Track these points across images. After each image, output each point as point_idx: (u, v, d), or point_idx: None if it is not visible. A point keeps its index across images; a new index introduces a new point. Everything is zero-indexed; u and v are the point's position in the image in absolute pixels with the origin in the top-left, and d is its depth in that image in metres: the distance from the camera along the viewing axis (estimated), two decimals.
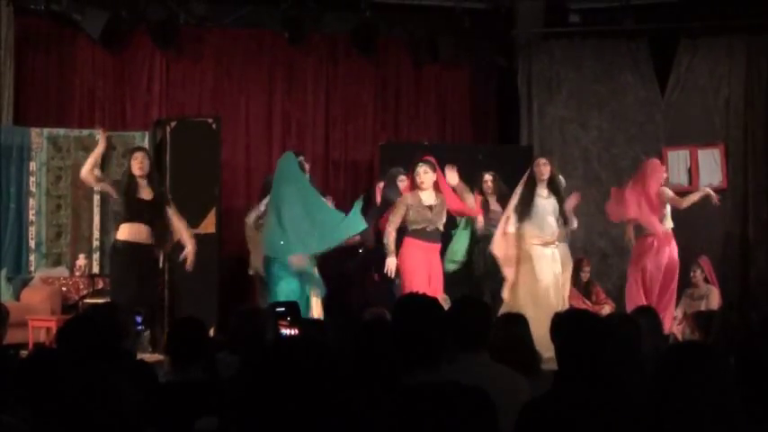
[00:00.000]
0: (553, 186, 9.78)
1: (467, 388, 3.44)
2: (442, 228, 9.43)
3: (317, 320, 6.78)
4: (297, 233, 9.25)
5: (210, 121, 11.20)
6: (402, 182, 9.94)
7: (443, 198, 9.31)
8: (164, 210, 9.19)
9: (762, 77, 12.28)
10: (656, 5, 12.37)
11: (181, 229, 9.31)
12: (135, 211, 9.03)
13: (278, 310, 5.22)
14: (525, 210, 9.76)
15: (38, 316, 10.15)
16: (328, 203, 10.15)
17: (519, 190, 9.86)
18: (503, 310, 8.80)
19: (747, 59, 12.32)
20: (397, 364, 3.75)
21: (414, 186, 9.30)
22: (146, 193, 9.12)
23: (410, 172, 9.42)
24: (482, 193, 10.49)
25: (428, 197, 9.28)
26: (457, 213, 9.88)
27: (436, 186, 9.29)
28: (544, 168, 9.77)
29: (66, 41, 11.86)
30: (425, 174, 9.22)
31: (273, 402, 3.04)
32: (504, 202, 10.19)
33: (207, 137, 11.08)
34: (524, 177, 9.89)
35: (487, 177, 10.57)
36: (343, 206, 12.52)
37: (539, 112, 12.72)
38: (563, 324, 3.90)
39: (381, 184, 10.64)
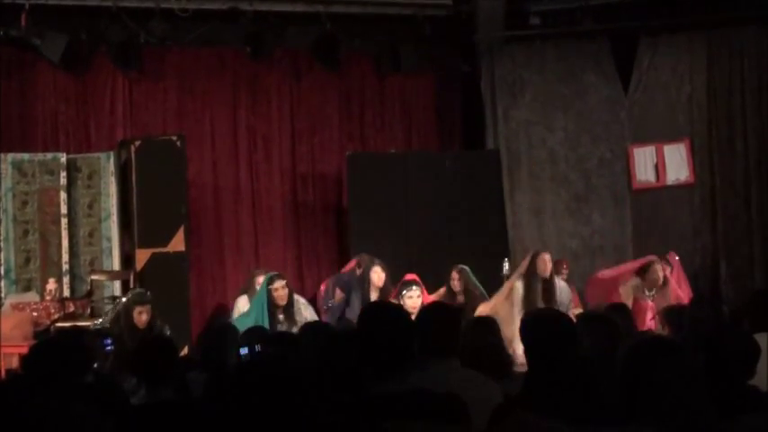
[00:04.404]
0: (548, 287, 9.48)
1: (438, 394, 3.43)
2: None
3: (289, 334, 6.75)
4: None
5: (175, 138, 11.15)
6: (376, 273, 9.69)
7: None
8: None
9: (723, 72, 12.35)
10: (614, 5, 12.41)
11: None
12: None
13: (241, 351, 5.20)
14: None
15: (9, 342, 10.05)
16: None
17: (519, 285, 9.50)
18: None
19: (708, 55, 12.38)
20: (366, 373, 3.74)
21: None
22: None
23: (395, 289, 9.37)
24: (450, 289, 10.02)
25: None
26: None
27: None
28: (548, 265, 9.51)
29: (27, 66, 11.76)
30: (418, 298, 9.14)
31: (244, 420, 3.02)
32: (470, 293, 9.85)
33: (172, 155, 11.04)
34: (523, 269, 9.67)
35: (454, 275, 9.98)
36: (313, 220, 12.59)
37: (503, 115, 12.73)
38: (531, 325, 3.90)
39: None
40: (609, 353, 4.71)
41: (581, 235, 12.42)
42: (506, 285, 9.73)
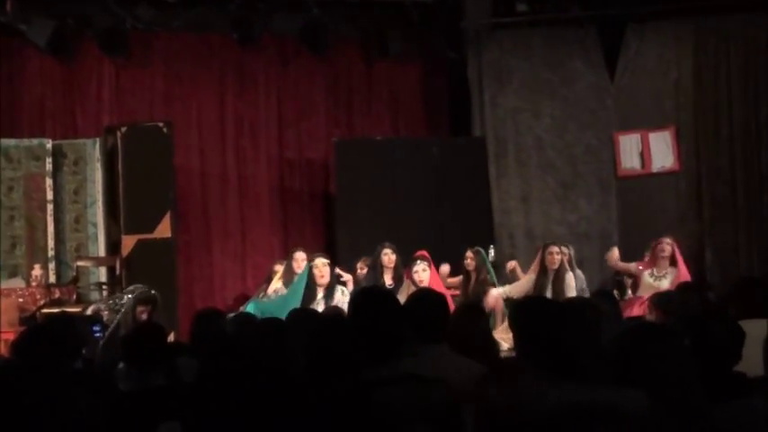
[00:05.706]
0: (557, 279, 9.50)
1: (428, 379, 3.45)
2: None
3: (277, 320, 6.73)
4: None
5: (161, 125, 11.14)
6: (386, 255, 9.67)
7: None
8: None
9: (709, 59, 12.36)
10: None
11: None
12: None
13: None
14: None
15: None
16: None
17: (531, 278, 9.61)
18: None
19: (695, 42, 12.39)
20: (356, 359, 3.75)
21: (412, 282, 9.14)
22: None
23: (407, 268, 9.35)
24: (465, 270, 10.03)
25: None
26: None
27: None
28: (555, 257, 9.54)
29: (14, 52, 11.71)
30: (424, 272, 9.18)
31: (233, 404, 3.03)
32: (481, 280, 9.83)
33: (159, 141, 11.03)
34: (535, 264, 9.69)
35: (469, 254, 9.99)
36: (300, 206, 12.56)
37: (491, 102, 12.71)
38: (520, 311, 3.91)
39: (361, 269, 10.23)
40: (592, 339, 4.74)
41: (567, 221, 12.44)
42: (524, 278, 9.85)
